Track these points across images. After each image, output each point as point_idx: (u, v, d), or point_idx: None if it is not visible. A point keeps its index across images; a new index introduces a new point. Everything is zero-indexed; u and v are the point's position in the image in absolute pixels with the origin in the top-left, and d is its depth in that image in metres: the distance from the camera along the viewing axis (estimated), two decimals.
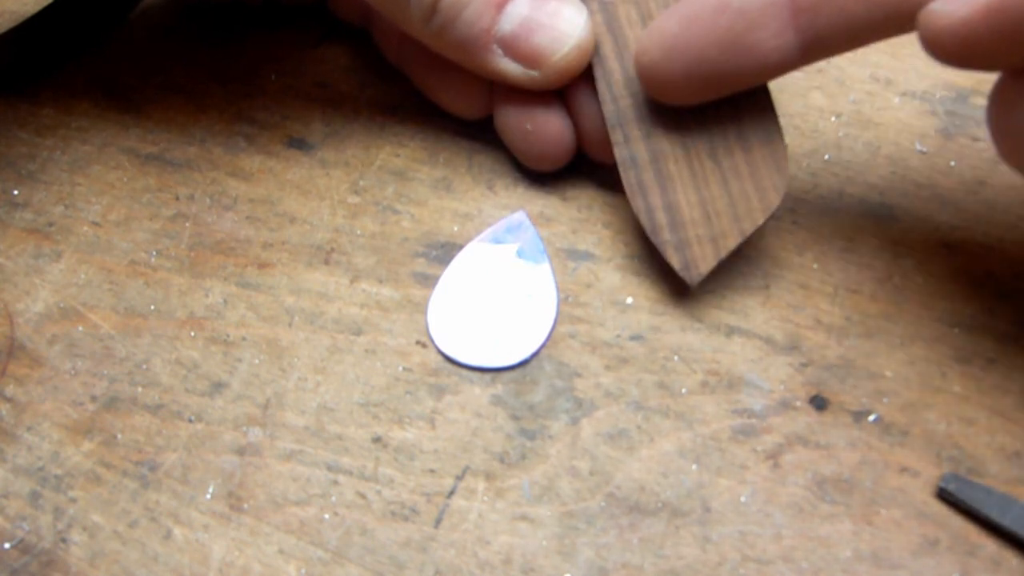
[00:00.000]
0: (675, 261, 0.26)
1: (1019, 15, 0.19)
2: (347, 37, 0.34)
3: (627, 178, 0.26)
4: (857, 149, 0.30)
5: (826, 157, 0.29)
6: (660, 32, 0.24)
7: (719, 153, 0.26)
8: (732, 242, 0.25)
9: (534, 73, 0.26)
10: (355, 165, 0.31)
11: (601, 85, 0.27)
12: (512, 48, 0.26)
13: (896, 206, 0.28)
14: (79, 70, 0.35)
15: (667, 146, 0.26)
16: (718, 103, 0.26)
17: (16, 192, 0.31)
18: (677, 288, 0.27)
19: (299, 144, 0.32)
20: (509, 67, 0.27)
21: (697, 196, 0.26)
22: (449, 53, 0.27)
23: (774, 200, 0.25)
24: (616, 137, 0.26)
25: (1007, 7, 0.19)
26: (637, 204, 0.26)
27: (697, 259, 0.26)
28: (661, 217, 0.26)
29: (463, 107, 0.30)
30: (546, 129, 0.28)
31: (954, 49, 0.20)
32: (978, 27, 0.19)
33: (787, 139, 0.30)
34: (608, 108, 0.27)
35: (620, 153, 0.26)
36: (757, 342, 0.26)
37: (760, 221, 0.25)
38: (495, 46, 0.26)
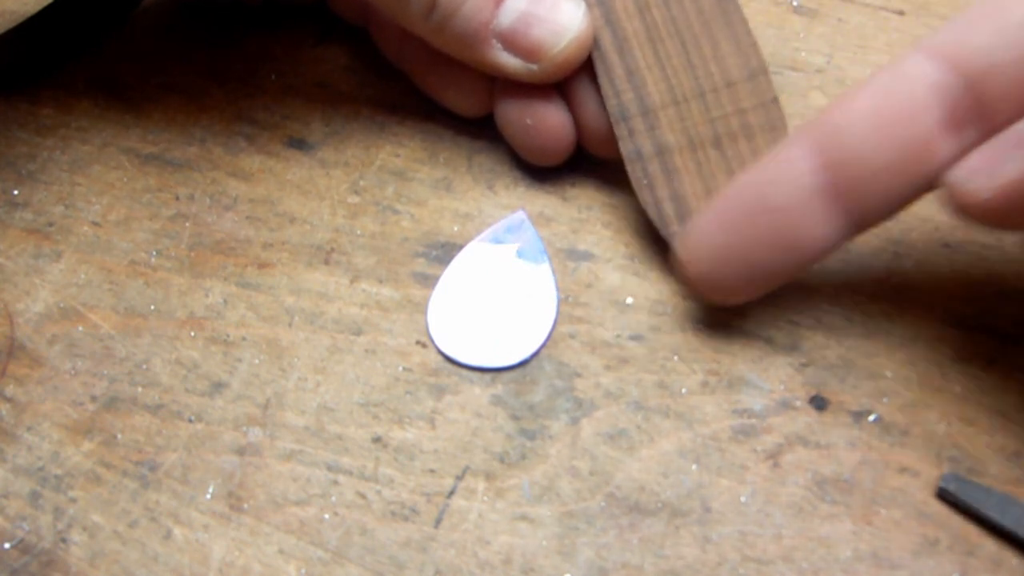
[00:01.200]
0: None
1: None
2: (347, 37, 0.34)
3: (633, 171, 0.26)
4: None
5: None
6: (703, 239, 0.24)
7: (723, 142, 0.26)
8: None
9: (533, 67, 0.27)
10: (355, 165, 0.31)
11: (603, 79, 0.27)
12: (511, 42, 0.26)
13: None
14: (79, 70, 0.35)
15: (671, 138, 0.26)
16: (719, 93, 0.26)
17: (16, 192, 0.31)
18: (677, 288, 0.27)
19: (299, 144, 0.32)
20: (508, 61, 0.27)
21: (703, 186, 0.26)
22: (449, 48, 0.28)
23: None
24: (620, 131, 0.26)
25: None
26: (644, 197, 0.26)
27: None
28: (668, 209, 0.26)
29: (464, 105, 0.30)
30: (546, 124, 0.28)
31: (986, 220, 0.20)
32: (1004, 203, 0.19)
33: None
34: (611, 102, 0.27)
35: (625, 147, 0.26)
36: (757, 342, 0.26)
37: None
38: (494, 40, 0.27)
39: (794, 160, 0.22)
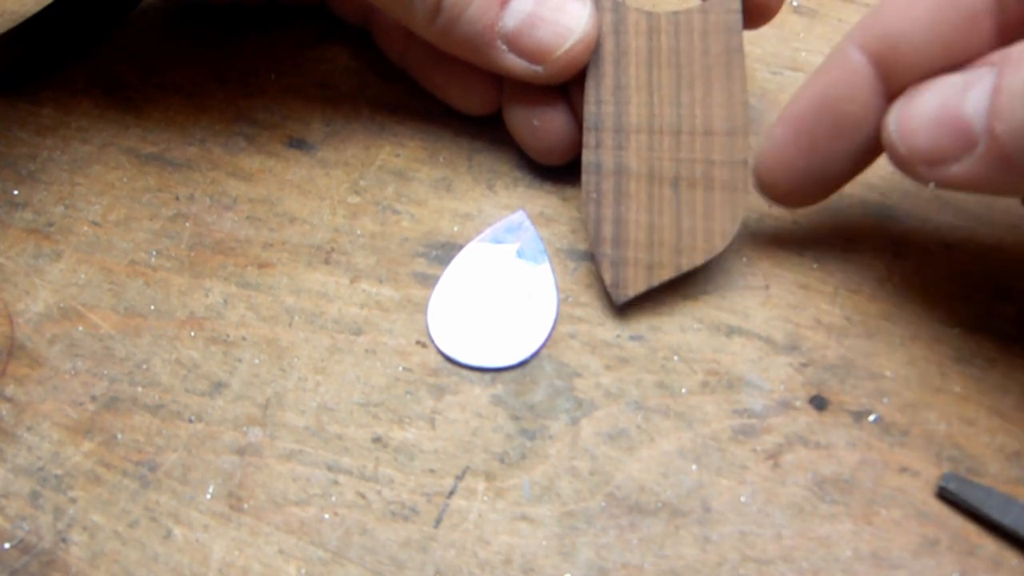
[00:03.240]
0: (607, 276, 0.26)
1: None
2: (347, 37, 0.34)
3: (586, 182, 0.26)
4: None
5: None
6: (776, 146, 0.25)
7: (682, 185, 0.26)
8: (666, 274, 0.26)
9: (538, 68, 0.27)
10: (355, 165, 0.31)
11: (590, 84, 0.27)
12: (516, 44, 0.26)
13: (896, 206, 0.28)
14: (79, 70, 0.35)
15: (634, 164, 0.26)
16: (695, 137, 0.26)
17: (16, 192, 0.31)
18: (677, 288, 0.27)
19: (299, 144, 0.32)
20: (514, 63, 0.27)
21: (647, 220, 0.26)
22: (454, 50, 0.28)
23: (718, 245, 0.25)
24: (588, 140, 0.27)
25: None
26: (588, 210, 0.26)
27: (628, 280, 0.26)
28: (607, 230, 0.26)
29: (472, 104, 0.30)
30: (553, 125, 0.28)
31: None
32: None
33: None
34: (590, 109, 0.27)
35: (587, 157, 0.26)
36: (757, 342, 0.26)
37: (699, 262, 0.25)
38: (499, 42, 0.27)
39: (850, 57, 0.23)
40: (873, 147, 0.24)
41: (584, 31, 0.26)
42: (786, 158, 0.24)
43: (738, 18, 0.26)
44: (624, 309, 0.27)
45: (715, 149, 0.26)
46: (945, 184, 0.21)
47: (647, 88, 0.26)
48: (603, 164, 0.26)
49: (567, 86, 0.28)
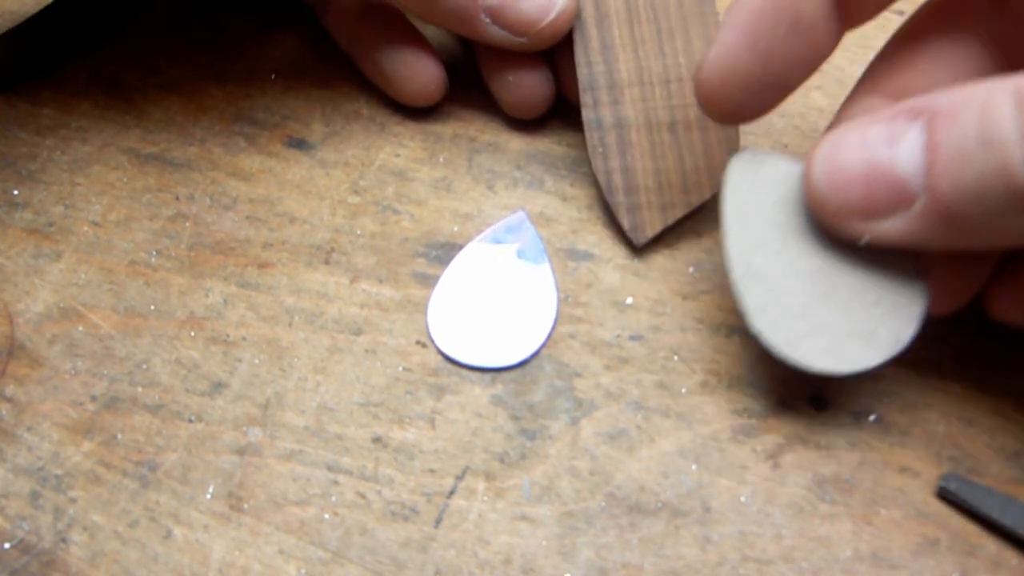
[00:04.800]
0: (625, 222, 0.27)
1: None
2: None
3: (591, 139, 0.28)
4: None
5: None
6: (723, 57, 0.23)
7: (678, 128, 0.28)
8: (679, 212, 0.27)
9: (522, 39, 0.28)
10: (355, 165, 0.31)
11: (578, 48, 0.28)
12: (499, 17, 0.28)
13: None
14: (79, 70, 0.35)
15: (632, 115, 0.28)
16: (683, 83, 0.28)
17: (16, 192, 0.31)
18: (677, 288, 0.27)
19: (299, 144, 0.32)
20: (498, 33, 0.28)
21: (653, 165, 0.27)
22: (439, 23, 0.29)
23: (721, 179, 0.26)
24: (586, 99, 0.28)
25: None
26: (597, 164, 0.28)
27: (645, 222, 0.27)
28: (618, 179, 0.28)
29: (415, 93, 0.31)
30: (527, 81, 0.29)
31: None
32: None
33: (787, 139, 0.30)
34: (582, 71, 0.28)
35: (587, 115, 0.28)
36: (757, 342, 0.26)
37: (707, 196, 0.27)
38: (483, 15, 0.28)
39: None
40: (825, 47, 0.23)
41: (565, 4, 0.27)
42: (740, 65, 0.22)
43: None
44: (625, 309, 0.27)
45: None
46: (878, 239, 0.21)
47: (632, 45, 0.28)
48: (603, 120, 0.28)
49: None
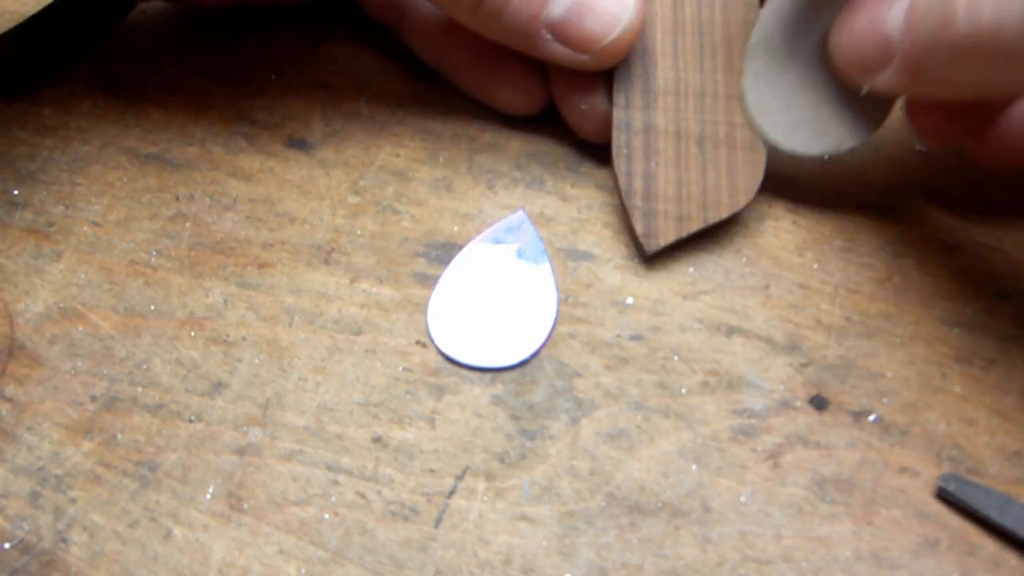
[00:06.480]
0: (639, 226, 0.27)
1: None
2: (347, 37, 0.34)
3: (617, 138, 0.28)
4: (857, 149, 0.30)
5: (826, 157, 0.29)
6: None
7: (707, 143, 0.27)
8: (695, 226, 0.27)
9: (584, 57, 0.27)
10: (355, 165, 0.31)
11: None
12: (561, 33, 0.26)
13: (896, 206, 0.28)
14: (79, 70, 0.35)
15: (662, 122, 0.28)
16: (718, 100, 0.27)
17: (16, 192, 0.31)
18: (677, 288, 0.27)
19: (299, 144, 0.32)
20: (559, 51, 0.27)
21: (675, 175, 0.27)
22: (498, 39, 0.28)
23: (742, 200, 0.27)
24: (619, 99, 0.28)
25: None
26: (619, 165, 0.27)
27: (659, 231, 0.27)
28: (638, 183, 0.27)
29: (518, 103, 0.30)
30: (601, 108, 0.28)
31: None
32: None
33: None
34: (619, 70, 0.28)
35: (618, 115, 0.28)
36: (757, 342, 0.26)
37: (724, 215, 0.27)
38: (544, 31, 0.27)
39: None
40: None
41: (631, 19, 0.26)
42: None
43: None
44: (625, 309, 0.27)
45: (737, 113, 0.27)
46: (875, 91, 0.24)
47: (672, 53, 0.28)
48: (632, 122, 0.28)
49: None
